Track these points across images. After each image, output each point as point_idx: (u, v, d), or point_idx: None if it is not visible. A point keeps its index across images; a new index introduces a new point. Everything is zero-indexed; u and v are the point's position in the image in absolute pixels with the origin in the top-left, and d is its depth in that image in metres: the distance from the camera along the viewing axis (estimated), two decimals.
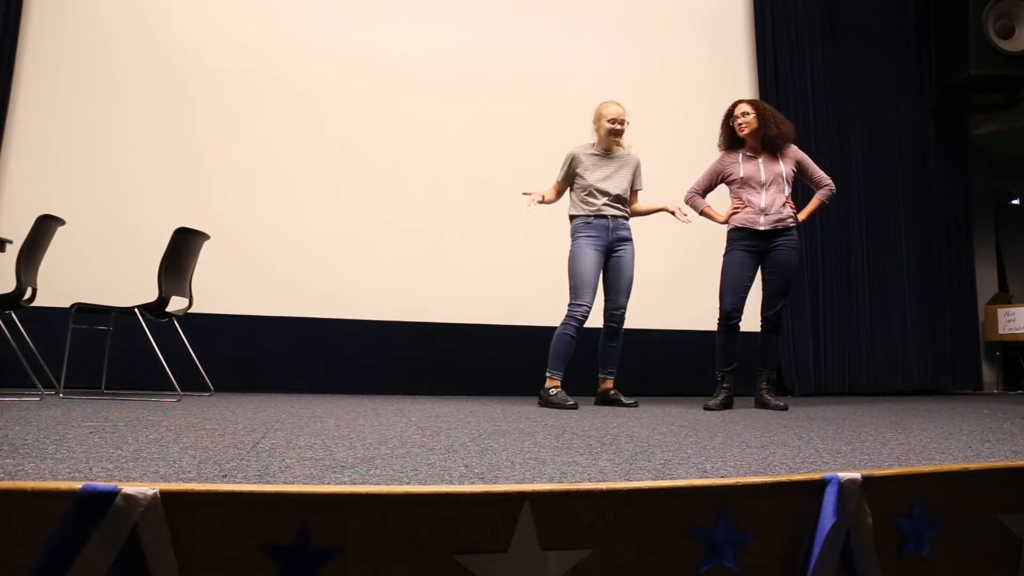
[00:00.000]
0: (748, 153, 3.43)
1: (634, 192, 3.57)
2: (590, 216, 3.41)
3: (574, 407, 3.09)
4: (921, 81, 5.87)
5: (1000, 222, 6.55)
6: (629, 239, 3.48)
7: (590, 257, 3.35)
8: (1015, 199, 7.85)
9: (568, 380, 3.31)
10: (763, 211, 3.34)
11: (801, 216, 3.41)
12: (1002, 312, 5.85)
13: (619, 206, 3.46)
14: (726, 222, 3.44)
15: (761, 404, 3.36)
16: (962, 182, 5.91)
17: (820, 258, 5.29)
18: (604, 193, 3.42)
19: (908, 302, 5.53)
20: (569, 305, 3.35)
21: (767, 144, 3.39)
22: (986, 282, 6.08)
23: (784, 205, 3.34)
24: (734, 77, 5.29)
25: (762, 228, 3.33)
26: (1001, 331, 5.83)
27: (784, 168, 3.37)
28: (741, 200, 3.40)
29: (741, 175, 3.40)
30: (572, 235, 3.46)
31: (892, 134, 5.70)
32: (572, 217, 3.49)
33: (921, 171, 5.76)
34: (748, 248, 3.37)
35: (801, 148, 3.54)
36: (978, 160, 6.21)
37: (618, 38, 5.13)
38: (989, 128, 5.96)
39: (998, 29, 5.35)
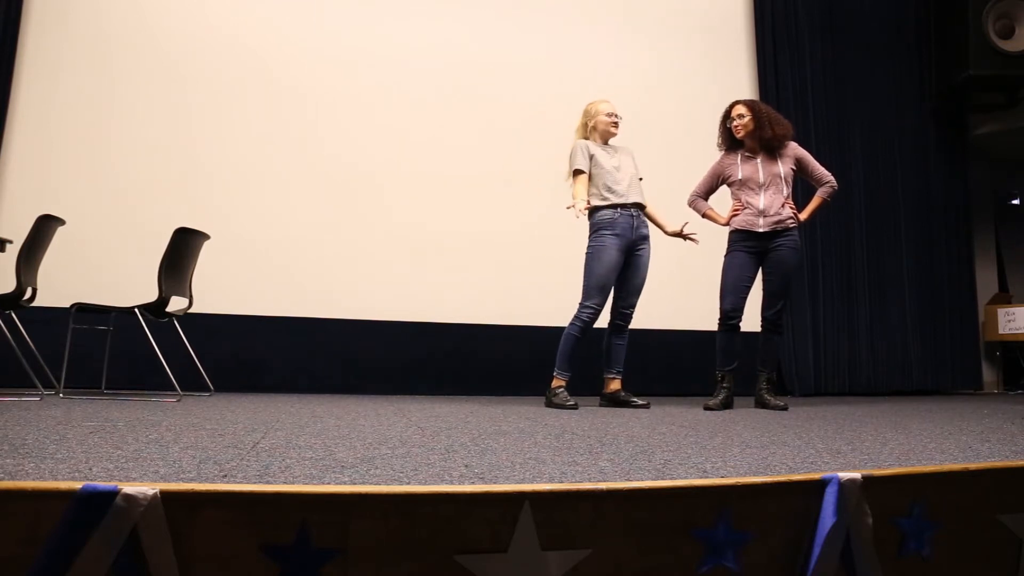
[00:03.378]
0: (746, 154, 3.43)
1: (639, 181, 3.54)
2: (616, 209, 3.32)
3: (574, 407, 3.09)
4: (921, 81, 5.87)
5: (1000, 222, 6.54)
6: (648, 236, 3.43)
7: (614, 259, 3.29)
8: (1015, 199, 7.84)
9: (573, 381, 3.31)
10: (762, 213, 3.34)
11: (803, 216, 3.41)
12: (1002, 312, 5.85)
13: (639, 200, 3.40)
14: (727, 224, 3.45)
15: (761, 404, 3.36)
16: (962, 182, 5.91)
17: (820, 258, 5.29)
18: (623, 185, 3.35)
19: (908, 302, 5.53)
20: (581, 305, 3.31)
21: (764, 145, 3.39)
22: (986, 282, 6.08)
23: (783, 206, 3.34)
24: (734, 77, 5.29)
25: (761, 230, 3.33)
26: (1001, 331, 5.83)
27: (782, 168, 3.37)
28: (741, 202, 3.40)
29: (739, 177, 3.40)
30: (595, 229, 3.34)
31: (892, 134, 5.70)
32: (595, 209, 3.34)
33: (921, 171, 5.76)
34: (748, 249, 3.37)
35: (800, 147, 3.53)
36: (978, 160, 6.21)
37: (618, 38, 5.13)
38: (989, 128, 5.95)
39: (998, 29, 5.35)
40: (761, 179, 3.36)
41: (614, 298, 3.43)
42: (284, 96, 4.50)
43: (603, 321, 3.44)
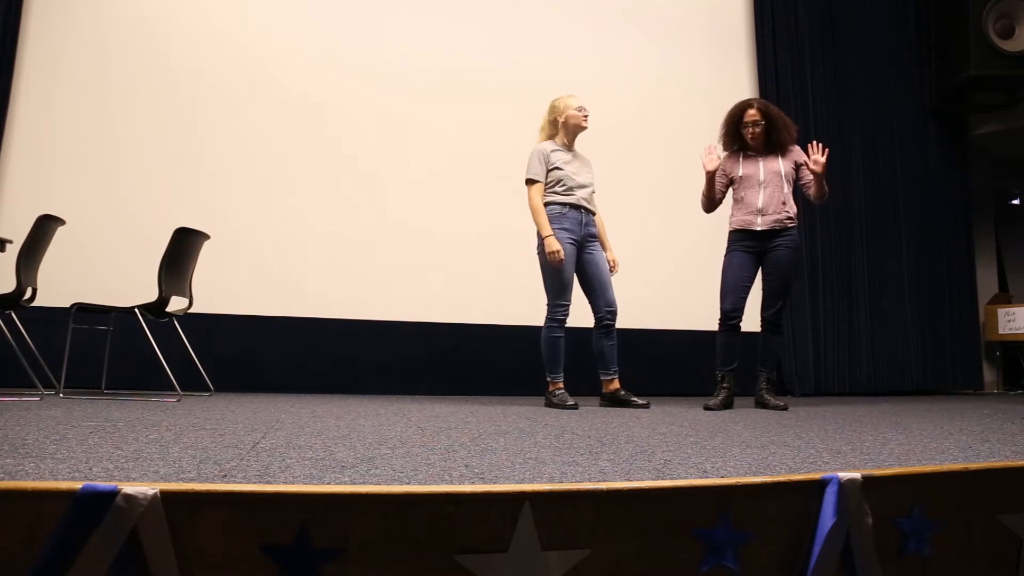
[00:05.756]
0: (750, 153, 3.42)
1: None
2: (566, 205, 3.30)
3: (574, 407, 3.09)
4: (921, 81, 5.88)
5: (1000, 222, 6.55)
6: (596, 236, 3.39)
7: (569, 252, 3.26)
8: (1015, 199, 7.85)
9: (573, 380, 3.30)
10: (760, 211, 3.32)
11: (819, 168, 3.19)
12: (1002, 312, 5.85)
13: (591, 202, 3.39)
14: (712, 172, 3.34)
15: (761, 404, 3.35)
16: (962, 182, 5.91)
17: (820, 258, 5.29)
18: (582, 187, 3.35)
19: (908, 302, 5.53)
20: (551, 306, 3.29)
21: (769, 143, 3.38)
22: (986, 282, 6.08)
23: (783, 204, 3.32)
24: (734, 77, 5.30)
25: (759, 228, 3.32)
26: (1001, 331, 5.83)
27: (784, 167, 3.35)
28: (719, 161, 3.32)
29: (740, 174, 3.39)
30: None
31: (892, 134, 5.70)
32: (546, 204, 3.32)
33: (921, 171, 5.76)
34: (747, 248, 3.36)
35: (801, 147, 3.52)
36: (978, 160, 6.21)
37: (618, 39, 5.14)
38: (989, 128, 5.96)
39: (998, 29, 5.36)
40: (761, 176, 3.34)
41: (590, 302, 3.38)
42: (284, 97, 4.50)
43: (584, 321, 3.43)
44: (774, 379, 3.50)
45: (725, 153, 3.50)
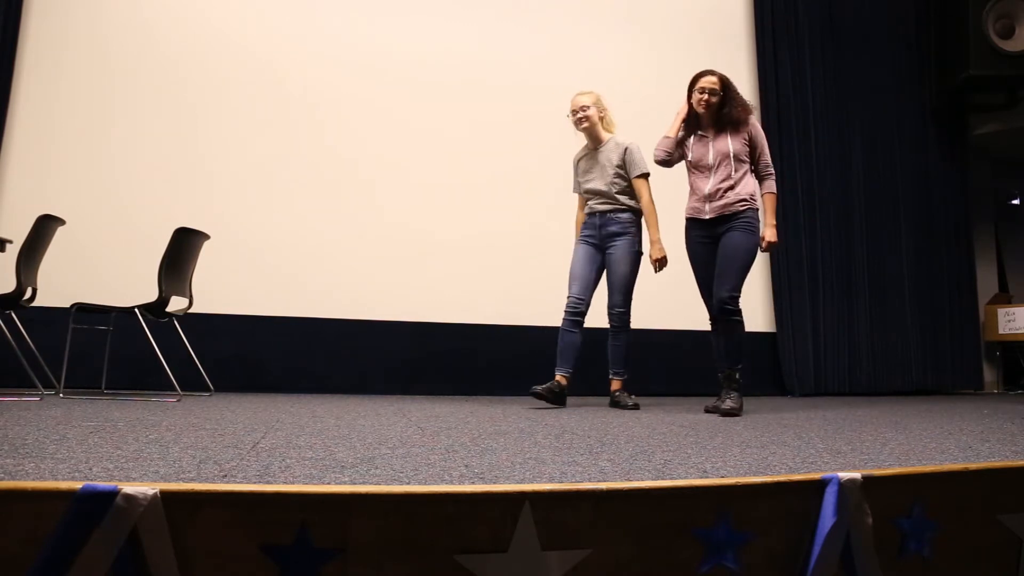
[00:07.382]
0: (701, 133, 3.23)
1: (633, 180, 3.38)
2: (587, 215, 3.50)
3: (538, 395, 3.11)
4: (921, 81, 5.88)
5: (1000, 222, 6.54)
6: (621, 233, 3.36)
7: (579, 252, 3.46)
8: (1015, 199, 7.85)
9: (573, 380, 3.29)
10: (708, 198, 3.13)
11: (772, 235, 3.11)
12: (1002, 312, 5.85)
13: (606, 201, 3.40)
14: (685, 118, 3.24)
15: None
16: (962, 182, 5.91)
17: (820, 258, 5.29)
18: (591, 193, 3.46)
19: (908, 302, 5.52)
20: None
21: (718, 122, 3.17)
22: (986, 282, 6.08)
23: (732, 188, 3.09)
24: (734, 77, 5.20)
25: (707, 216, 3.13)
26: (1001, 331, 5.83)
27: (733, 146, 3.11)
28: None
29: (690, 158, 3.24)
30: None
31: (892, 134, 5.70)
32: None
33: (921, 171, 5.76)
34: (700, 239, 3.19)
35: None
36: (978, 160, 6.21)
37: (617, 38, 5.13)
38: (989, 128, 5.96)
39: (998, 29, 5.36)
40: (710, 160, 3.15)
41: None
42: (284, 97, 4.50)
43: (602, 321, 3.44)
44: (737, 377, 3.08)
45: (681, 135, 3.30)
